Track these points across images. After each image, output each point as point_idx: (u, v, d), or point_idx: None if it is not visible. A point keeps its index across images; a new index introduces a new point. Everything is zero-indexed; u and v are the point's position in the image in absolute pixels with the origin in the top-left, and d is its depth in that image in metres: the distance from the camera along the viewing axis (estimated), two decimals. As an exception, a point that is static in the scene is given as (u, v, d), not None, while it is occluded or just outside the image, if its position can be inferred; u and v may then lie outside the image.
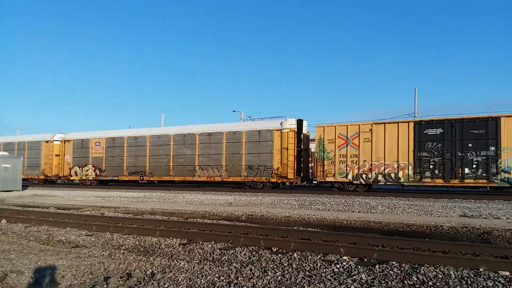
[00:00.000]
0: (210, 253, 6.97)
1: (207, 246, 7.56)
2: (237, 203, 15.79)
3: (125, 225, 9.81)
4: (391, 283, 5.06)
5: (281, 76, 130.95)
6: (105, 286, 5.11)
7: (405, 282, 5.11)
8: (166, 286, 5.08)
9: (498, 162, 17.91)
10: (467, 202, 15.56)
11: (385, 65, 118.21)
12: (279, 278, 5.38)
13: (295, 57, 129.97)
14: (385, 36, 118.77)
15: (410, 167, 19.68)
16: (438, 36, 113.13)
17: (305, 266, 6.02)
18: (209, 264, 6.14)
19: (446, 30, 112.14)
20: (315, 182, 24.50)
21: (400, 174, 19.86)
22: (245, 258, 6.59)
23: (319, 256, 6.53)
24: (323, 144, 21.89)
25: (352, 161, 21.14)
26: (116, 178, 29.35)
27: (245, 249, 7.18)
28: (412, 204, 14.34)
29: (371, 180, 20.71)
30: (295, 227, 9.86)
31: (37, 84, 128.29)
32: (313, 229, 9.50)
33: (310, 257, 6.51)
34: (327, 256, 6.53)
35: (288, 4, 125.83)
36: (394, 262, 5.95)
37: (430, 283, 5.04)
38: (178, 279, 5.32)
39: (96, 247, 7.59)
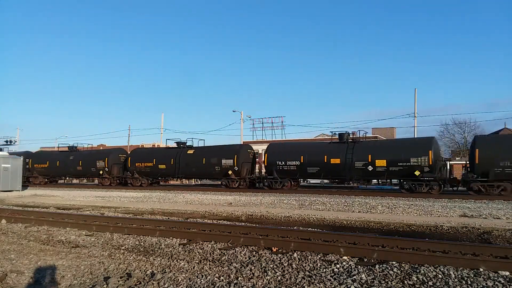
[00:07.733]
0: (210, 253, 6.97)
1: (207, 246, 7.55)
2: (237, 203, 15.78)
3: (125, 225, 9.81)
4: (391, 283, 5.05)
5: (282, 76, 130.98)
6: (105, 286, 5.11)
7: (405, 282, 5.11)
8: (166, 286, 5.08)
9: None
10: (467, 202, 15.56)
11: (385, 65, 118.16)
12: (279, 278, 5.37)
13: (295, 57, 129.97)
14: (385, 36, 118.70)
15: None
16: (438, 36, 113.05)
17: (305, 266, 6.01)
18: (209, 264, 6.13)
19: (446, 30, 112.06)
20: None
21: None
22: (245, 258, 6.58)
23: (319, 256, 6.52)
24: None
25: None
26: None
27: (245, 249, 7.18)
28: (412, 204, 14.33)
29: None
30: (295, 227, 9.86)
31: (36, 84, 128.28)
32: (313, 229, 9.50)
33: (310, 257, 6.50)
34: (327, 256, 6.53)
35: (288, 3, 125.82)
36: (394, 262, 5.94)
37: (430, 283, 5.04)
38: (178, 279, 5.31)
39: (96, 247, 7.59)
